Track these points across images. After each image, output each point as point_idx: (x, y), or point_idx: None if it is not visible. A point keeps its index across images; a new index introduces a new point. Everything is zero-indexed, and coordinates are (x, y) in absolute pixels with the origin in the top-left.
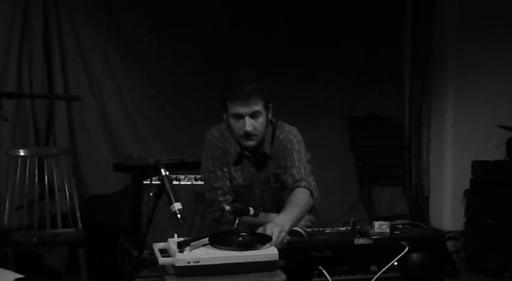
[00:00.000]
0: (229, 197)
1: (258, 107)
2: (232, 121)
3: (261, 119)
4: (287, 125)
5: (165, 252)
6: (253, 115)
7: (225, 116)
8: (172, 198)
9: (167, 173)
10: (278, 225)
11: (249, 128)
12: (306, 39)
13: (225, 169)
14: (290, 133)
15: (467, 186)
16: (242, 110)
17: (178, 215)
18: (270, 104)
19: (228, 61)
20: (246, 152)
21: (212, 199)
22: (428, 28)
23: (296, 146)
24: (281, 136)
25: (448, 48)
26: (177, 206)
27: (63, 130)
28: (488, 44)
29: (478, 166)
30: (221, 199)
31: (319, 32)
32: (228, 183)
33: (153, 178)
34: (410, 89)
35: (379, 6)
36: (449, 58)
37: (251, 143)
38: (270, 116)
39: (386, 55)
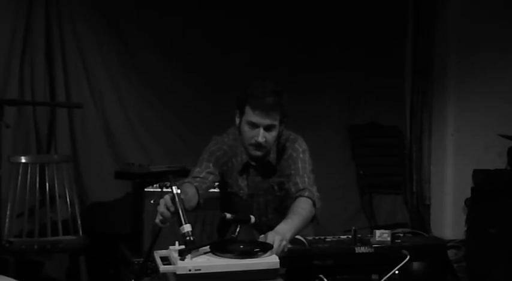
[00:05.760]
0: (199, 192)
1: (275, 121)
2: (245, 128)
3: (274, 133)
4: (292, 133)
5: (166, 260)
6: (268, 128)
7: (237, 120)
8: (183, 219)
9: (179, 191)
10: (279, 233)
11: (261, 139)
12: (307, 48)
13: (217, 173)
14: (296, 142)
15: (468, 195)
16: (261, 120)
17: (187, 238)
18: (285, 119)
19: (230, 70)
20: (252, 162)
21: (184, 180)
22: (429, 37)
23: (301, 155)
24: (286, 144)
25: (449, 57)
26: (187, 228)
27: (64, 137)
28: (489, 53)
29: (479, 175)
30: (195, 184)
31: (320, 41)
32: (207, 183)
33: (154, 185)
34: (411, 98)
35: (380, 15)
36: (450, 67)
37: (259, 153)
38: (281, 129)
39: (387, 64)
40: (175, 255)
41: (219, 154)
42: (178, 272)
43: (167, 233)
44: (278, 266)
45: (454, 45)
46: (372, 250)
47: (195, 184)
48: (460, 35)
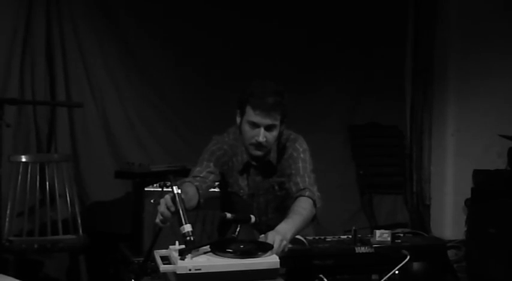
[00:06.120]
0: (200, 191)
1: (276, 121)
2: (246, 127)
3: (274, 133)
4: (293, 133)
5: (166, 259)
6: (269, 127)
7: (238, 119)
8: (183, 219)
9: (179, 191)
10: (280, 233)
11: (262, 139)
12: (307, 48)
13: (218, 172)
14: (296, 141)
15: (468, 195)
16: (262, 120)
17: (188, 238)
18: (286, 119)
19: (230, 70)
20: (252, 162)
21: (185, 179)
22: (429, 37)
23: (301, 155)
24: (287, 144)
25: (449, 56)
26: (187, 228)
27: (64, 137)
28: (489, 53)
29: (479, 175)
30: (196, 183)
31: (320, 40)
32: (207, 183)
33: (155, 185)
34: (412, 98)
35: (381, 15)
36: (451, 67)
37: (259, 153)
38: (282, 129)
39: (388, 64)
40: (176, 255)
41: (220, 154)
42: (178, 272)
43: (167, 233)
44: (278, 266)
45: (454, 45)
46: (372, 250)
47: (196, 183)
48: (461, 35)
